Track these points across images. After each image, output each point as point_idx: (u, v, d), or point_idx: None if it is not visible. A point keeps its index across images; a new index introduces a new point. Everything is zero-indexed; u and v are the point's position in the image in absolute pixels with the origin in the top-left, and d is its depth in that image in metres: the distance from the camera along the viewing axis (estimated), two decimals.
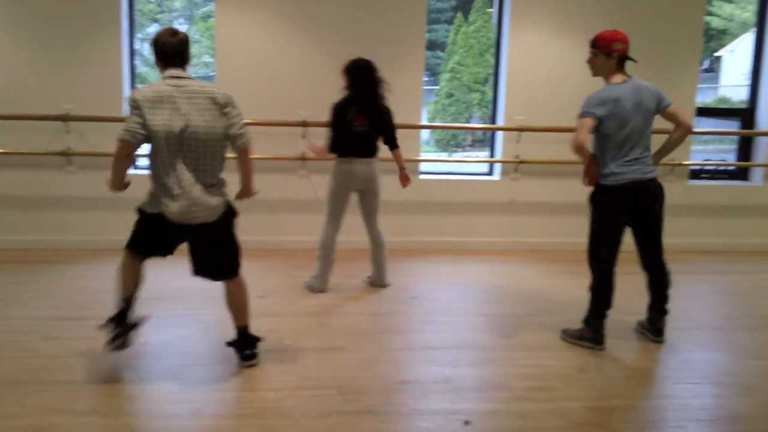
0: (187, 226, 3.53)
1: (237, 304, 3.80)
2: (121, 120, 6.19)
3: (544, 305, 5.00)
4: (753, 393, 3.60)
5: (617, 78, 4.05)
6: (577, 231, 6.71)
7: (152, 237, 3.68)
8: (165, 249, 3.73)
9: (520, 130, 6.50)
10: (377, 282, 5.33)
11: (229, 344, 3.86)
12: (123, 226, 6.21)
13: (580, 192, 6.56)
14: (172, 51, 3.48)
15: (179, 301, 4.85)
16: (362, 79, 4.92)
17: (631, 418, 3.32)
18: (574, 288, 5.36)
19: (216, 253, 3.66)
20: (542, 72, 6.59)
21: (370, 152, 5.02)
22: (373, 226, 5.20)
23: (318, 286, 5.16)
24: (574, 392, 3.56)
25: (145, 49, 16.36)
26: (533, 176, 6.68)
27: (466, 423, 3.19)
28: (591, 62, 4.12)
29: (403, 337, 4.33)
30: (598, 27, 6.44)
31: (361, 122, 4.91)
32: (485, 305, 5.03)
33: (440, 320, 4.62)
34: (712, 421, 3.29)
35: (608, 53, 4.01)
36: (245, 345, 3.83)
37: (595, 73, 4.14)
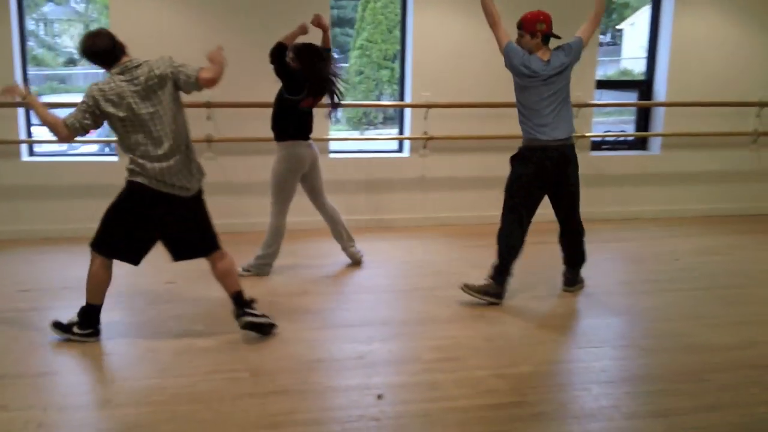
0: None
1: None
2: (15, 105, 5.95)
3: (453, 278, 5.06)
4: (650, 354, 3.81)
5: (543, 54, 4.35)
6: (486, 205, 6.91)
7: None
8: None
9: (428, 106, 6.58)
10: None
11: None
12: (25, 214, 6.04)
13: (487, 167, 6.76)
14: None
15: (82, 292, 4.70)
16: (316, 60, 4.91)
17: (539, 382, 3.46)
18: (482, 260, 5.51)
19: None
20: (447, 48, 6.66)
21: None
22: (324, 201, 5.27)
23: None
24: (482, 361, 3.67)
25: (41, 30, 15.58)
26: (442, 152, 6.78)
27: (379, 397, 3.24)
28: (518, 42, 4.38)
29: (317, 316, 4.35)
30: (499, 2, 6.62)
31: (308, 103, 4.94)
32: (397, 281, 5.10)
33: (354, 298, 4.67)
34: (613, 382, 3.47)
35: (533, 33, 4.32)
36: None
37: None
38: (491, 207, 6.92)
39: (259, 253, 5.09)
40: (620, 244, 6.27)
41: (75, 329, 3.83)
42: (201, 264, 5.33)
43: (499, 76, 6.70)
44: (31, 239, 6.01)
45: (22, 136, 6.12)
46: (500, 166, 6.78)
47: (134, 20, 6.01)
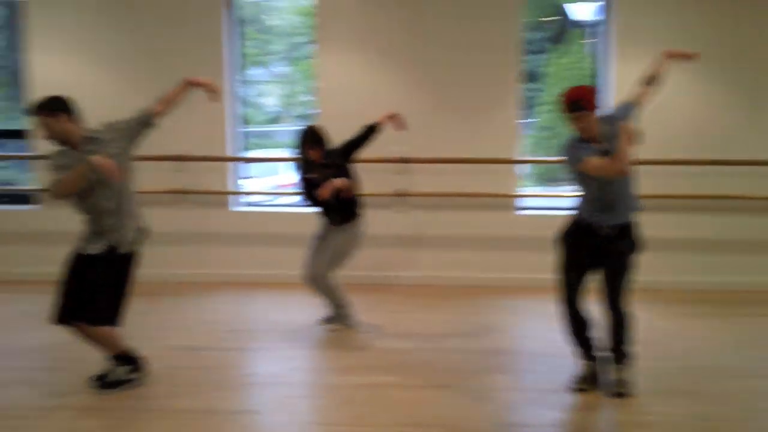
0: None
1: None
2: (227, 159, 6.51)
3: (659, 348, 4.74)
4: None
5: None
6: (699, 269, 6.47)
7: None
8: None
9: (638, 164, 6.29)
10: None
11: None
12: (235, 259, 6.52)
13: (692, 227, 6.34)
14: None
15: (290, 334, 4.97)
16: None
17: None
18: (696, 330, 5.17)
19: None
20: (657, 102, 6.35)
21: None
22: None
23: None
24: None
25: (248, 92, 17.13)
26: (650, 211, 6.39)
27: None
28: (584, 124, 3.70)
29: (510, 377, 4.25)
30: (707, 50, 6.26)
31: None
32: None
33: (548, 360, 4.47)
34: None
35: (595, 108, 3.71)
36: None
37: (588, 134, 3.74)
38: (703, 272, 6.53)
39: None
40: None
41: (127, 376, 3.97)
42: (391, 314, 5.47)
43: (710, 132, 6.34)
44: (239, 282, 6.48)
45: (232, 187, 6.68)
46: (711, 227, 6.44)
47: (338, 80, 6.39)
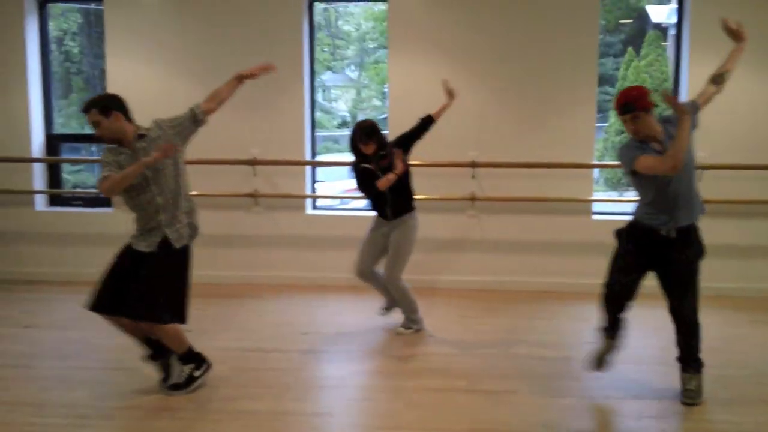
0: None
1: None
2: (304, 163, 6.65)
3: (733, 357, 4.62)
4: None
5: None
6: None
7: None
8: None
9: (702, 168, 6.14)
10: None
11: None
12: (306, 262, 6.65)
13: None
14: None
15: (357, 337, 5.05)
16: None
17: None
18: (764, 338, 5.01)
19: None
20: (724, 105, 6.18)
21: None
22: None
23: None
24: None
25: (319, 95, 17.32)
26: (715, 216, 6.24)
27: None
28: (637, 126, 3.66)
29: (580, 383, 4.19)
30: None
31: None
32: (667, 353, 4.73)
33: (619, 367, 4.39)
34: None
35: (648, 108, 3.64)
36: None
37: (643, 135, 3.68)
38: None
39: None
40: None
41: (195, 374, 4.03)
42: (459, 318, 5.48)
43: None
44: (310, 285, 6.59)
45: (308, 191, 6.81)
46: None
47: (409, 84, 6.45)
